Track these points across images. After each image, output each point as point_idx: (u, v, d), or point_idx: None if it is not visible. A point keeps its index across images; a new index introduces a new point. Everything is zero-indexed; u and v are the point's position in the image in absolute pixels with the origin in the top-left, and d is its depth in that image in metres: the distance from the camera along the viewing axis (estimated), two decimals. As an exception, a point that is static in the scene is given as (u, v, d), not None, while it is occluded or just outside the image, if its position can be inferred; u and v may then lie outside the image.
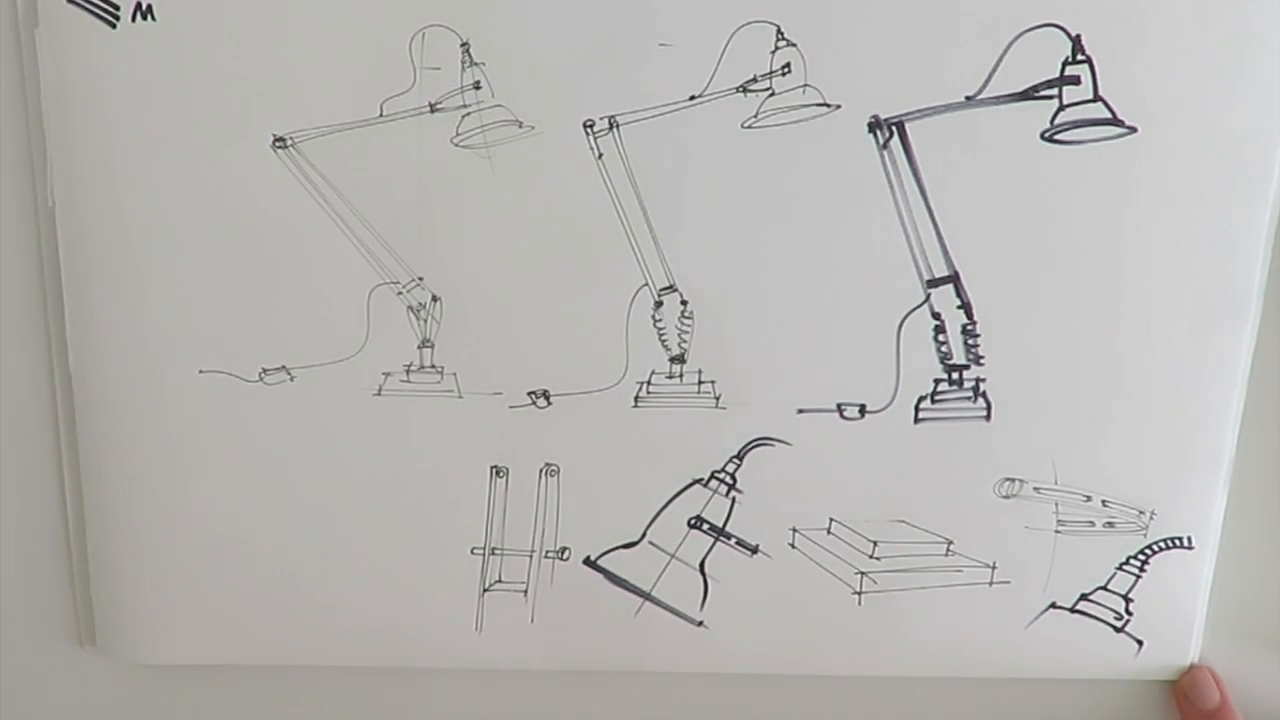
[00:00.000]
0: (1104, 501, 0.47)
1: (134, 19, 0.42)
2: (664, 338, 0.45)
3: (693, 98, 0.43)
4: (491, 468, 0.47)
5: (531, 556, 0.48)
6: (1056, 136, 0.43)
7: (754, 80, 0.43)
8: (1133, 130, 0.43)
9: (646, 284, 0.45)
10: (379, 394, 0.46)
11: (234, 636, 0.48)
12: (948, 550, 0.48)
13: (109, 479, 0.46)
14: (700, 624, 0.49)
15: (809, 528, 0.47)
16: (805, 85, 0.43)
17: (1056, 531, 0.47)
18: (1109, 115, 0.43)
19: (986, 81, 0.43)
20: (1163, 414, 0.46)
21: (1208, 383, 0.46)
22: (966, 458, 0.46)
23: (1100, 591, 0.48)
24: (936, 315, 0.45)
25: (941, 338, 0.45)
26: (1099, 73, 0.43)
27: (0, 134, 0.44)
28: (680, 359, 0.45)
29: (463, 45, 0.42)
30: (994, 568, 0.48)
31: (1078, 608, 0.48)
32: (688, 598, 0.48)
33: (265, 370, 0.45)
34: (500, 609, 0.48)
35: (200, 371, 0.45)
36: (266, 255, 0.44)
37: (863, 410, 0.46)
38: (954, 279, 0.45)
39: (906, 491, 0.47)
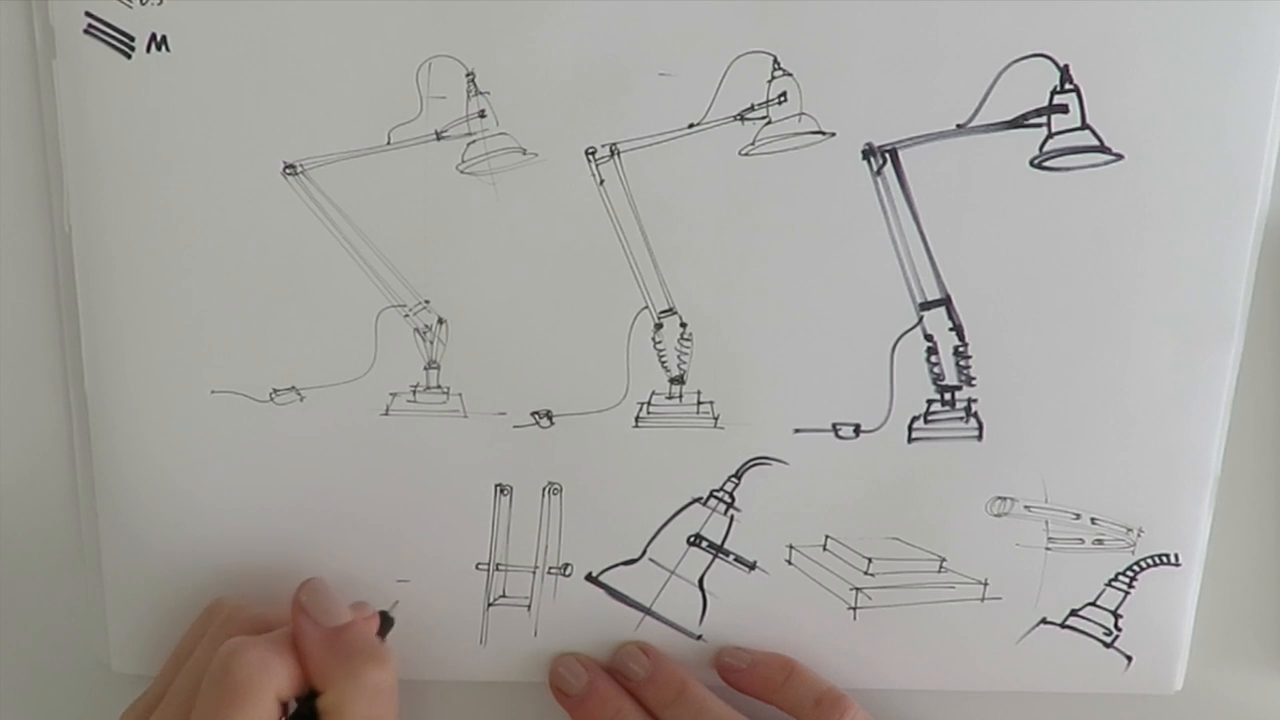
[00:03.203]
0: (1093, 519, 0.46)
1: (149, 50, 0.41)
2: (664, 359, 0.45)
3: (692, 126, 0.42)
4: (496, 486, 0.46)
5: (535, 572, 0.47)
6: (1045, 163, 0.43)
7: (751, 109, 0.42)
8: (1119, 157, 0.43)
9: (647, 307, 0.44)
10: (386, 414, 0.45)
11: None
12: (940, 567, 0.47)
13: (123, 497, 0.45)
14: (699, 638, 0.48)
15: (805, 545, 0.47)
16: (801, 114, 0.42)
17: (1047, 549, 0.47)
18: (1096, 143, 0.42)
19: (977, 110, 0.42)
20: (1150, 434, 0.45)
21: (1194, 403, 0.45)
22: (958, 476, 0.46)
23: (1089, 607, 0.47)
24: (929, 337, 0.44)
25: (934, 359, 0.45)
26: (1086, 101, 0.42)
27: (20, 161, 0.43)
28: (680, 380, 0.45)
29: (468, 75, 0.42)
30: (985, 584, 0.47)
31: (1067, 623, 0.47)
32: (687, 613, 0.47)
33: (276, 391, 0.45)
34: (504, 623, 0.48)
35: (212, 392, 0.44)
36: (277, 279, 0.43)
37: (857, 430, 0.45)
38: (946, 302, 0.44)
39: (900, 509, 0.46)
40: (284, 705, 0.39)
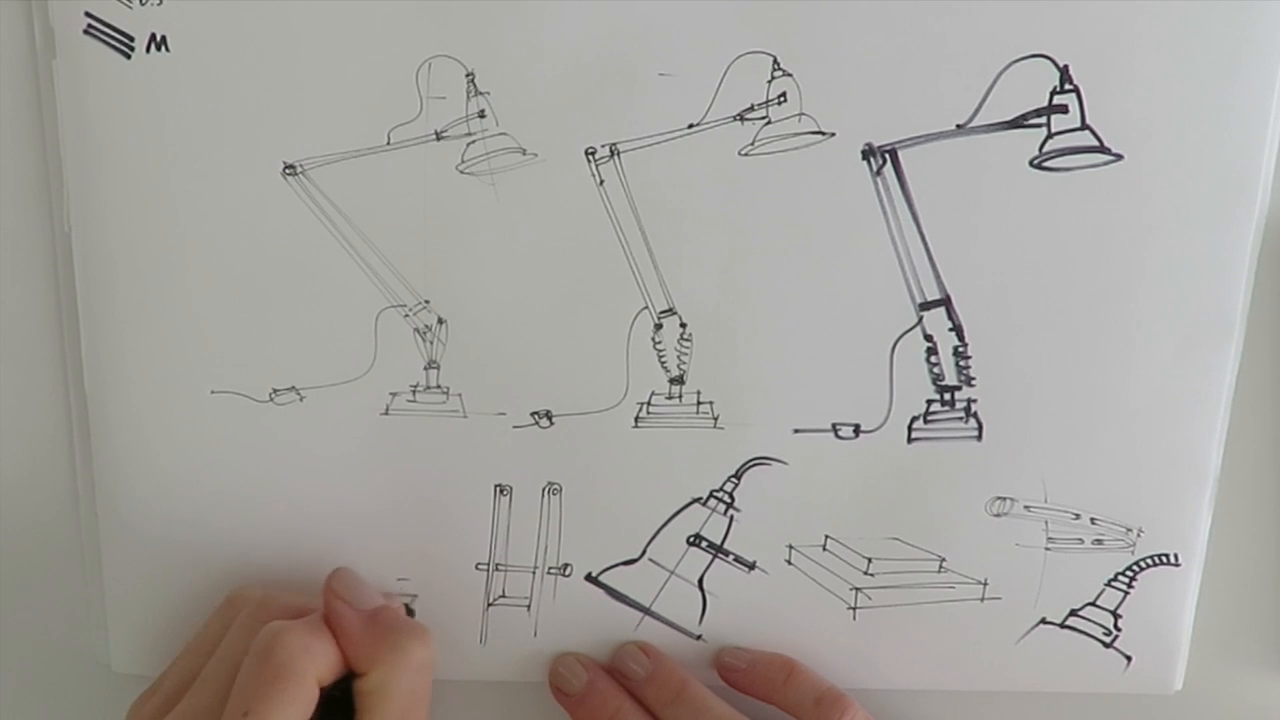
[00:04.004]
0: (1092, 519, 0.46)
1: (148, 50, 0.41)
2: (663, 359, 0.44)
3: (691, 126, 0.42)
4: (495, 486, 0.46)
5: (534, 572, 0.47)
6: (1045, 164, 0.43)
7: (751, 109, 0.42)
8: (1119, 157, 0.42)
9: (646, 307, 0.44)
10: (386, 414, 0.45)
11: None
12: (940, 567, 0.47)
13: (123, 497, 0.45)
14: (699, 638, 0.48)
15: (805, 545, 0.46)
16: (800, 114, 0.42)
17: (1046, 549, 0.46)
18: (1096, 143, 0.42)
19: (977, 110, 0.42)
20: (1150, 433, 0.45)
21: (1193, 403, 0.45)
22: (958, 477, 0.46)
23: (1089, 608, 0.47)
24: (929, 337, 0.44)
25: (934, 359, 0.45)
26: (1086, 102, 0.42)
27: (20, 162, 0.43)
28: (679, 380, 0.45)
29: (468, 75, 0.42)
30: (985, 584, 0.47)
31: (1067, 623, 0.47)
32: (687, 613, 0.47)
33: (276, 390, 0.44)
34: (504, 623, 0.47)
35: (212, 392, 0.44)
36: (277, 279, 0.43)
37: (857, 430, 0.45)
38: (946, 302, 0.44)
39: (900, 509, 0.46)
40: (321, 690, 0.39)
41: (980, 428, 0.45)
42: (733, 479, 0.46)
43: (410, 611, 0.45)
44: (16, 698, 0.49)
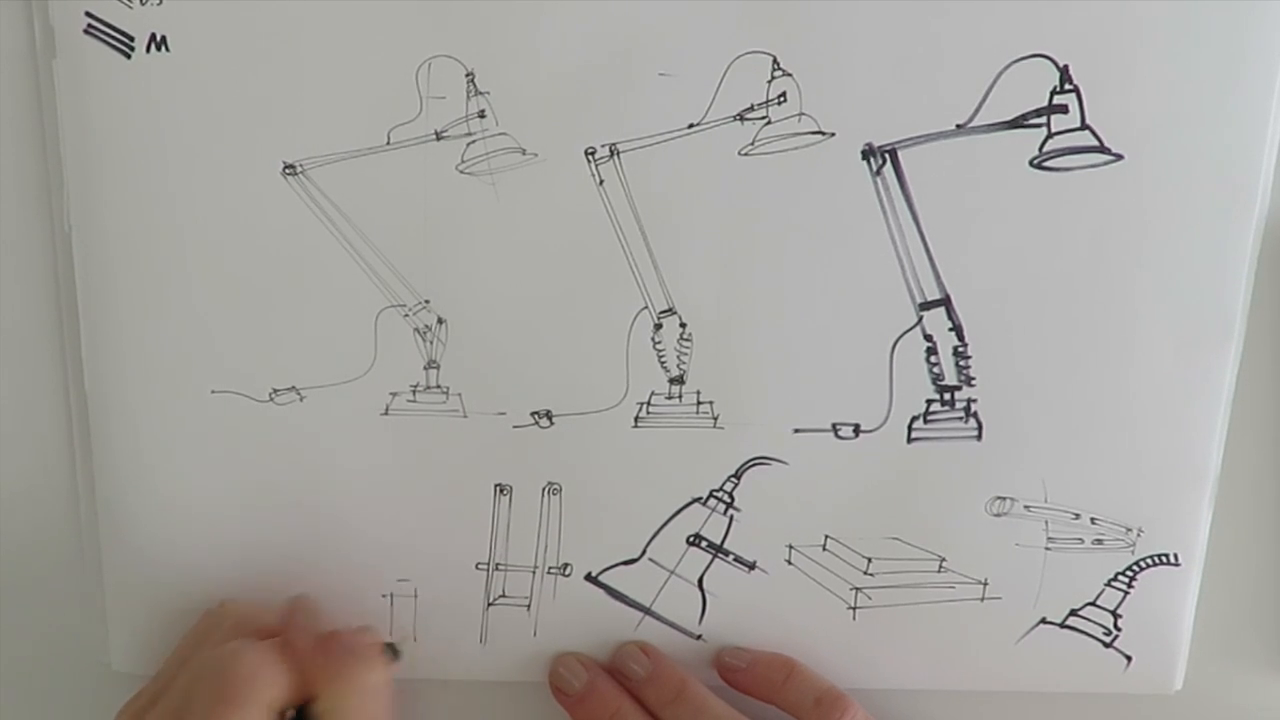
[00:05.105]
0: (1093, 519, 0.46)
1: (148, 50, 0.41)
2: (663, 359, 0.44)
3: (691, 126, 0.42)
4: (495, 486, 0.46)
5: (534, 572, 0.47)
6: (1045, 163, 0.43)
7: (751, 109, 0.42)
8: (1119, 157, 0.42)
9: (646, 307, 0.44)
10: (386, 413, 0.45)
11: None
12: (940, 567, 0.47)
13: (123, 497, 0.45)
14: (699, 638, 0.48)
15: (805, 544, 0.46)
16: (800, 114, 0.42)
17: (1046, 549, 0.46)
18: (1096, 143, 0.42)
19: (977, 110, 0.42)
20: (1150, 433, 0.45)
21: (1194, 403, 0.45)
22: (958, 476, 0.46)
23: (1089, 607, 0.47)
24: (929, 337, 0.44)
25: (933, 359, 0.45)
26: (1086, 102, 0.42)
27: (21, 161, 0.43)
28: (679, 380, 0.45)
29: (468, 75, 0.42)
30: (985, 584, 0.47)
31: (1067, 623, 0.47)
32: (687, 613, 0.47)
33: (276, 390, 0.44)
34: (504, 623, 0.47)
35: (212, 392, 0.44)
36: (277, 279, 0.43)
37: (857, 430, 0.45)
38: (945, 302, 0.44)
39: (900, 509, 0.46)
40: (282, 715, 0.39)
41: (980, 428, 0.45)
42: (733, 479, 0.46)
43: (397, 653, 0.42)
44: (16, 698, 0.49)
